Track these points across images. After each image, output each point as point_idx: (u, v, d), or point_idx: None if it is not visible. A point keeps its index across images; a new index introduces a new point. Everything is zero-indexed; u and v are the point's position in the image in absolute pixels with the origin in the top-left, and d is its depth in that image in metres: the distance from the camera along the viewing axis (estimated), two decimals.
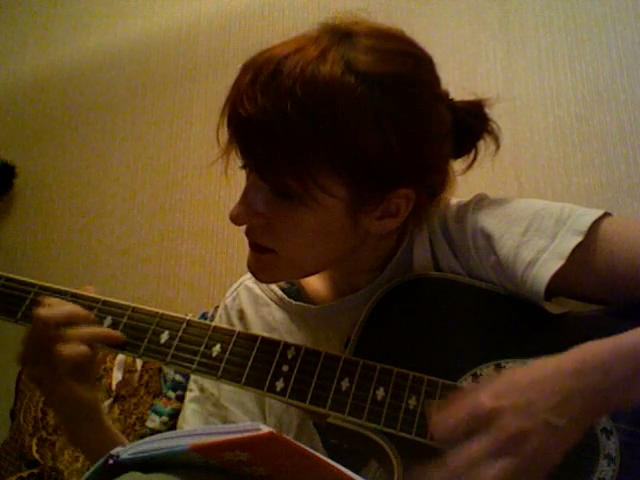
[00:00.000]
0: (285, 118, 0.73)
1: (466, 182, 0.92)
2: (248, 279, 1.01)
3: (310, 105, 0.74)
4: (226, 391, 0.94)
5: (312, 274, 0.92)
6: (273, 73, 0.75)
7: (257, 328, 0.96)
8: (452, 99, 0.87)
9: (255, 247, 0.85)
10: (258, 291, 0.99)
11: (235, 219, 0.82)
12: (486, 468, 0.63)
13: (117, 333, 0.86)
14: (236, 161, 0.87)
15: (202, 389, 0.96)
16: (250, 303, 0.99)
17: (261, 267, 0.87)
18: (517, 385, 0.67)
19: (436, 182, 0.86)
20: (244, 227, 0.86)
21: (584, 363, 0.68)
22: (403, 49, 0.81)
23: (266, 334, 0.93)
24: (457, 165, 0.91)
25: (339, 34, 0.79)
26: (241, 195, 0.83)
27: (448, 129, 0.84)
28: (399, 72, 0.79)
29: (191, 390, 0.97)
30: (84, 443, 0.90)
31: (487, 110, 0.89)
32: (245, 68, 0.79)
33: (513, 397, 0.66)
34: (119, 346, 0.87)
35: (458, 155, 0.90)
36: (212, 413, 0.94)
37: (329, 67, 0.74)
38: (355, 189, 0.78)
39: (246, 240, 0.86)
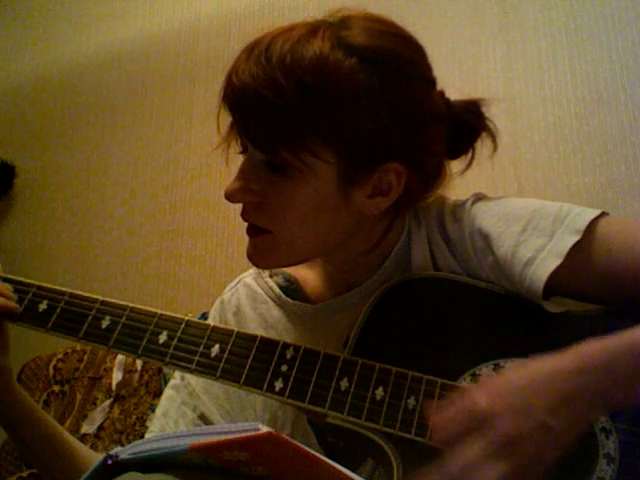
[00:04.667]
0: (275, 84, 0.77)
1: (465, 182, 0.92)
2: (247, 276, 1.01)
3: (300, 73, 0.77)
4: (202, 381, 0.95)
5: (310, 258, 0.91)
6: (266, 47, 0.79)
7: (253, 324, 0.96)
8: (448, 98, 0.88)
9: (252, 231, 0.86)
10: (257, 288, 0.99)
11: (230, 196, 0.83)
12: (482, 471, 0.63)
13: (11, 304, 0.89)
14: (236, 160, 0.87)
15: (183, 377, 0.97)
16: (248, 299, 0.99)
17: (259, 252, 0.87)
18: (515, 386, 0.67)
19: (429, 168, 0.86)
20: (244, 225, 0.86)
21: (584, 362, 0.67)
22: (396, 31, 0.84)
23: (262, 330, 0.94)
24: (456, 166, 0.91)
25: (333, 18, 0.83)
26: (237, 172, 0.84)
27: (441, 115, 0.85)
28: (390, 49, 0.81)
29: (174, 377, 0.98)
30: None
31: (484, 109, 0.89)
32: (242, 50, 0.83)
33: (510, 398, 0.66)
34: (17, 317, 0.89)
35: (456, 155, 0.90)
36: (185, 402, 0.95)
37: (320, 41, 0.78)
38: (345, 157, 0.80)
39: (246, 238, 0.87)
